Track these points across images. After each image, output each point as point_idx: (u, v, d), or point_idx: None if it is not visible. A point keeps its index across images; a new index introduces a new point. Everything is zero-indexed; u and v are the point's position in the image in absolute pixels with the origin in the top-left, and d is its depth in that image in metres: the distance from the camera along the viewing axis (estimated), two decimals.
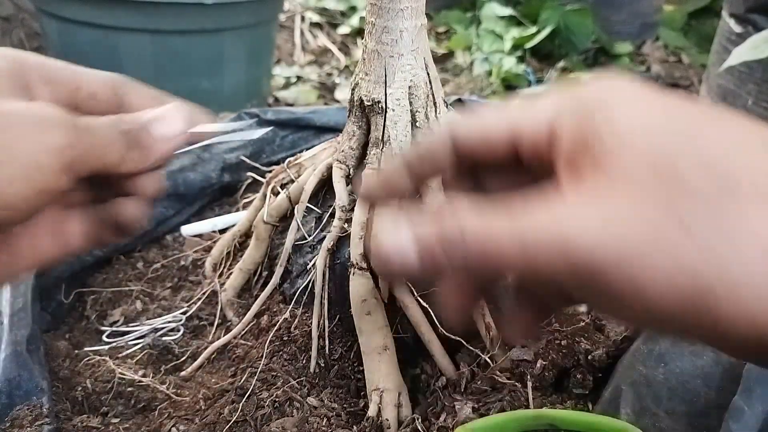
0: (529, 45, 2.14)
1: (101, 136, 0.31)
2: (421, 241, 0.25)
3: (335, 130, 0.92)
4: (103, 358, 0.64)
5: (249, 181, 0.89)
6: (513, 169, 0.29)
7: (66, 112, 0.30)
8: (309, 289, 0.60)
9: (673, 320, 0.22)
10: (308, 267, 0.62)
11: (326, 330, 0.59)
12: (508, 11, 2.29)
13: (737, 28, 1.38)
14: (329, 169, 0.62)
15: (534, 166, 0.28)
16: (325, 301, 0.59)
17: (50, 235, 0.35)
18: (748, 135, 0.23)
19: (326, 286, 0.59)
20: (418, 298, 0.56)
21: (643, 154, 0.22)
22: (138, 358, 0.65)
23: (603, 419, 0.46)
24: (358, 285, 0.54)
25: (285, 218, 0.68)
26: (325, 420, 0.54)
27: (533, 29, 2.17)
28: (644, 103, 0.24)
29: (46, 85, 0.33)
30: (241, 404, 0.54)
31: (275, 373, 0.58)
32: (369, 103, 0.57)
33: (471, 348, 0.56)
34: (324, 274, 0.59)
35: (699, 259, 0.21)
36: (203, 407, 0.57)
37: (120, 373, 0.61)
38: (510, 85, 2.03)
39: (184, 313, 0.71)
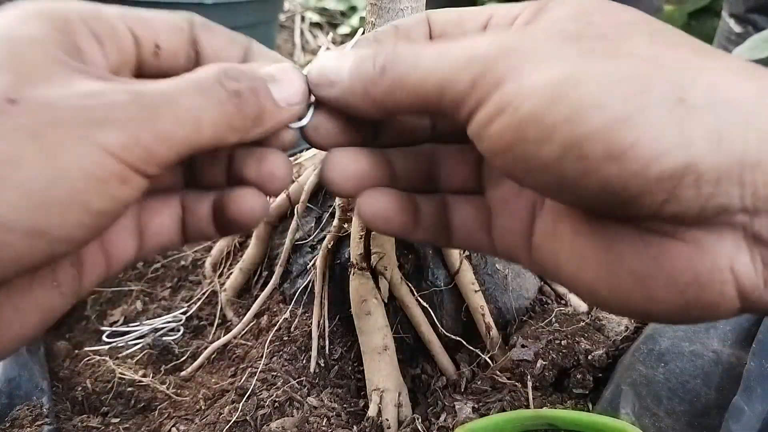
0: None
1: (191, 105, 0.24)
2: (358, 56, 0.27)
3: None
4: (103, 358, 0.64)
5: None
6: None
7: (123, 83, 0.23)
8: (309, 289, 0.60)
9: (541, 135, 0.22)
10: (308, 267, 0.62)
11: (326, 330, 0.59)
12: None
13: (737, 28, 1.38)
14: None
15: None
16: (325, 301, 0.59)
17: (130, 234, 0.28)
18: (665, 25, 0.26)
19: (326, 286, 0.59)
20: (419, 298, 0.56)
21: (569, 9, 0.25)
22: (138, 358, 0.65)
23: (603, 419, 0.46)
24: (358, 285, 0.54)
25: (285, 218, 0.68)
26: (325, 420, 0.54)
27: None
28: None
29: (95, 42, 0.25)
30: (241, 404, 0.54)
31: (275, 373, 0.57)
32: None
33: (471, 348, 0.56)
34: (324, 274, 0.59)
35: (581, 66, 0.22)
36: (203, 407, 0.57)
37: (120, 373, 0.61)
38: None
39: (184, 313, 0.71)
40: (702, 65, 0.22)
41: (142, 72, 0.28)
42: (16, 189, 0.21)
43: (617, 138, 0.21)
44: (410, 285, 0.56)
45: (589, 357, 0.54)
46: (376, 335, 0.53)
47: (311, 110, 0.29)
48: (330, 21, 2.43)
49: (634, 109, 0.21)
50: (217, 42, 0.29)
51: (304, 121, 0.28)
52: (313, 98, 0.29)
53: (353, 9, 2.45)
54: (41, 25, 0.24)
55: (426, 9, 0.56)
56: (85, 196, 0.22)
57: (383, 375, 0.52)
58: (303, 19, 2.38)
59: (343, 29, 2.37)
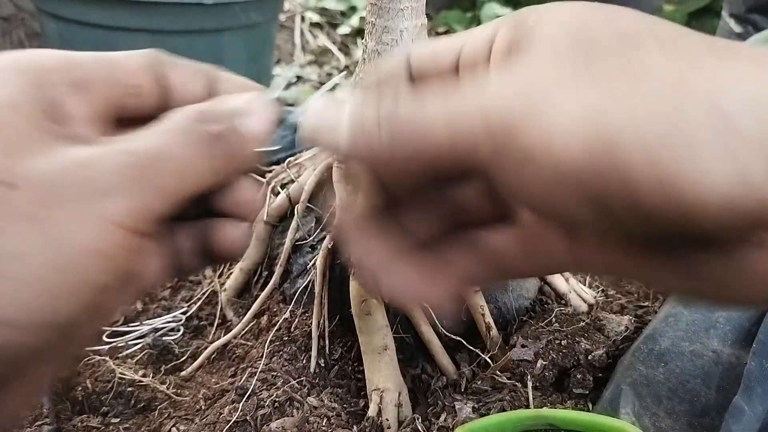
0: None
1: (182, 156, 0.23)
2: (355, 112, 0.25)
3: None
4: (103, 358, 0.64)
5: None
6: None
7: (112, 144, 0.23)
8: (309, 289, 0.60)
9: (581, 178, 0.20)
10: (308, 267, 0.62)
11: (326, 330, 0.59)
12: (508, 11, 2.29)
13: (737, 28, 1.38)
14: (329, 169, 0.62)
15: None
16: (325, 301, 0.59)
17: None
18: (656, 19, 0.24)
19: (326, 286, 0.59)
20: None
21: (562, 28, 0.23)
22: (138, 358, 0.65)
23: (603, 419, 0.46)
24: (359, 285, 0.54)
25: (285, 218, 0.68)
26: (325, 420, 0.54)
27: None
28: (573, 3, 0.25)
29: (76, 92, 0.24)
30: (241, 404, 0.54)
31: (275, 373, 0.57)
32: None
33: (471, 348, 0.56)
34: (324, 274, 0.59)
35: (604, 96, 0.20)
36: (203, 407, 0.57)
37: (120, 373, 0.61)
38: None
39: (184, 313, 0.71)
40: (729, 68, 0.20)
41: (124, 115, 0.27)
42: (26, 285, 0.20)
43: (666, 173, 0.19)
44: None
45: (589, 357, 0.54)
46: (376, 335, 0.53)
47: (281, 131, 0.28)
48: (330, 21, 2.43)
49: (675, 136, 0.19)
50: (183, 75, 0.28)
51: (276, 145, 0.28)
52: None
53: (353, 9, 2.45)
54: (18, 83, 0.23)
55: (426, 10, 0.56)
56: (99, 279, 0.21)
57: (383, 375, 0.52)
58: (303, 19, 2.38)
59: (343, 29, 2.37)
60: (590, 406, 0.52)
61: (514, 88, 0.22)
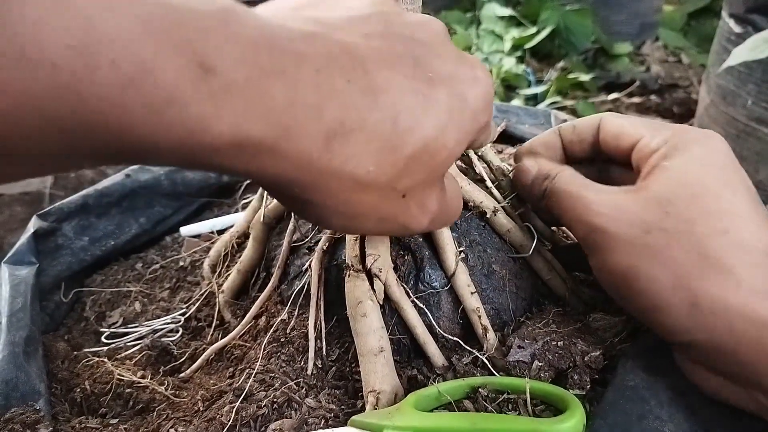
0: (529, 45, 2.14)
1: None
2: (540, 168, 0.52)
3: None
4: (101, 359, 0.64)
5: (248, 181, 0.89)
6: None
7: None
8: (306, 291, 0.60)
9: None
10: (304, 268, 0.62)
11: (323, 331, 0.59)
12: (508, 11, 2.29)
13: (737, 28, 1.37)
14: None
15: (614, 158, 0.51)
16: (321, 303, 0.59)
17: None
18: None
19: (321, 288, 0.59)
20: (415, 300, 0.56)
21: (675, 187, 0.42)
22: (137, 359, 0.66)
23: (549, 387, 0.49)
24: (353, 287, 0.54)
25: (282, 219, 0.68)
26: (323, 421, 0.54)
27: (533, 29, 2.17)
28: (704, 159, 0.43)
29: None
30: (239, 405, 0.54)
31: (273, 375, 0.58)
32: None
33: (468, 349, 0.56)
34: (320, 276, 0.59)
35: (643, 252, 0.43)
36: (201, 408, 0.57)
37: (119, 374, 0.61)
38: (510, 85, 2.03)
39: (182, 314, 0.71)
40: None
41: None
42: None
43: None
44: (406, 287, 0.56)
45: (586, 358, 0.54)
46: (371, 337, 0.53)
47: None
48: None
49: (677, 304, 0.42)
50: None
51: None
52: None
53: None
54: None
55: (426, 10, 0.56)
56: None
57: (379, 377, 0.52)
58: None
59: None
60: (587, 407, 0.52)
61: (609, 220, 0.44)
